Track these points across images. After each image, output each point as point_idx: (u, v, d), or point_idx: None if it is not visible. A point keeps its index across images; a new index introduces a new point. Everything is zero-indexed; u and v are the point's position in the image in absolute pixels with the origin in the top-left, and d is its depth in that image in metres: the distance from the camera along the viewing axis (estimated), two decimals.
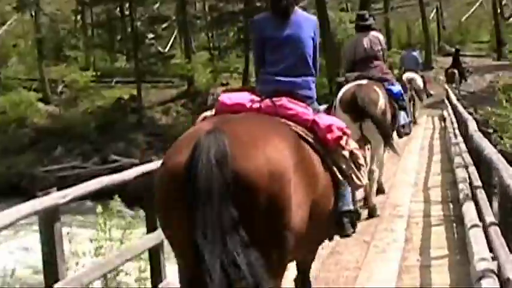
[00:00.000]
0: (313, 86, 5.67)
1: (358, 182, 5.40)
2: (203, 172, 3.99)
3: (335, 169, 5.19)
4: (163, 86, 42.11)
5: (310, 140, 5.01)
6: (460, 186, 10.66)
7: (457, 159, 13.60)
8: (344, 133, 5.38)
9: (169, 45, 51.75)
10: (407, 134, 13.03)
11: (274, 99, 5.23)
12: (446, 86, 31.20)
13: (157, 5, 53.58)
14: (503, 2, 57.46)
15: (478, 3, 66.73)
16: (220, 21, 38.73)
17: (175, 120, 37.85)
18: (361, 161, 5.49)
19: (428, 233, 9.97)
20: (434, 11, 58.06)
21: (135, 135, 36.14)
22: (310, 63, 5.64)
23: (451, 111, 24.00)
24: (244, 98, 5.30)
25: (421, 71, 26.41)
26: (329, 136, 5.19)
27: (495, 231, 6.82)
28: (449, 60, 45.50)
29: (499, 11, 53.16)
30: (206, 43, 44.46)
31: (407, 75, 23.97)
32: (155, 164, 8.03)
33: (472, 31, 58.20)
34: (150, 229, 8.16)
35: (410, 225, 10.50)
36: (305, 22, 5.65)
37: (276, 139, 4.42)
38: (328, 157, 5.14)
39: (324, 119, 5.30)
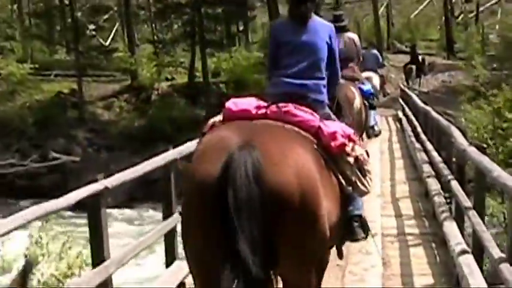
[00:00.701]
0: (324, 90, 5.74)
1: (364, 189, 5.42)
2: (243, 188, 4.19)
3: (340, 176, 5.25)
4: (105, 80, 40.58)
5: (316, 147, 5.10)
6: (436, 200, 10.11)
7: (426, 168, 12.76)
8: (350, 139, 5.39)
9: (111, 37, 50.49)
10: (376, 135, 13.14)
11: (280, 104, 5.30)
12: (402, 86, 30.33)
13: None
14: (453, 0, 57.07)
15: (427, 1, 66.69)
16: (165, 13, 37.26)
17: (117, 116, 36.49)
18: (368, 167, 5.52)
19: (407, 256, 9.33)
20: (383, 8, 57.41)
21: (75, 132, 34.73)
22: (323, 68, 5.74)
23: (409, 112, 23.01)
24: (250, 104, 5.36)
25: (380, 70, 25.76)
26: (333, 143, 5.24)
27: (508, 269, 5.76)
28: (400, 57, 45.15)
29: (449, 8, 52.65)
30: (150, 36, 42.92)
31: (364, 75, 22.94)
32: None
33: (421, 29, 57.79)
34: (166, 216, 8.85)
35: (385, 245, 9.81)
36: (321, 28, 5.79)
37: (301, 152, 4.69)
38: (333, 164, 5.21)
39: (329, 126, 5.32)
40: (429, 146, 13.74)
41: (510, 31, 38.45)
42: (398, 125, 25.76)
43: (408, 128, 21.55)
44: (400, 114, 28.16)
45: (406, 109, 25.25)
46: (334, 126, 5.36)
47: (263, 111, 5.26)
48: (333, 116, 5.79)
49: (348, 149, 5.31)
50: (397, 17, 61.00)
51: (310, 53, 5.65)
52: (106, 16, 46.59)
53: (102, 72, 41.32)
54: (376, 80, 23.99)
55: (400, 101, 29.89)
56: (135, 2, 48.23)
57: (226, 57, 36.97)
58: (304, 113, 5.28)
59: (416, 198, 12.74)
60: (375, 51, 25.51)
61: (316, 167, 4.72)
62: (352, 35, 11.58)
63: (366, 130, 11.68)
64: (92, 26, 41.40)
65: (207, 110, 35.23)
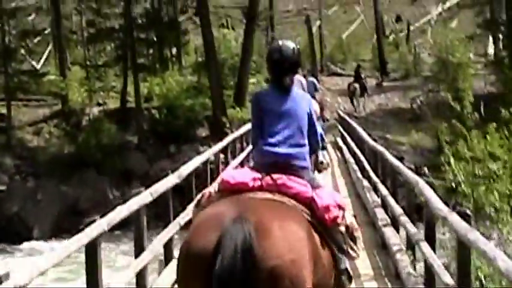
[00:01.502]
0: (307, 156, 5.95)
1: (354, 254, 5.68)
2: (230, 261, 4.52)
3: (333, 245, 5.51)
4: (35, 105, 38.61)
5: (311, 219, 5.39)
6: (398, 258, 8.74)
7: (380, 214, 11.42)
8: (340, 208, 5.63)
9: (42, 60, 48.44)
10: (325, 168, 12.49)
11: (274, 176, 5.58)
12: (340, 111, 29.08)
13: (31, 17, 50.10)
14: (383, 19, 56.42)
15: (358, 21, 66.05)
16: (98, 37, 35.46)
17: (47, 142, 34.73)
18: (357, 233, 5.79)
19: None
20: (315, 28, 56.33)
21: (2, 159, 32.91)
22: (305, 135, 5.95)
23: (352, 143, 21.67)
24: (246, 176, 5.62)
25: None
26: (327, 216, 5.49)
27: None
28: (335, 80, 44.21)
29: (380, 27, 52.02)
30: (82, 60, 40.97)
31: None
32: None
33: (353, 49, 56.91)
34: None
35: None
36: (301, 98, 6.06)
37: (294, 227, 4.98)
38: (326, 234, 5.46)
39: (322, 198, 5.55)
40: (383, 190, 12.35)
41: (445, 52, 37.68)
42: (339, 154, 24.45)
43: (351, 160, 20.26)
44: (340, 141, 26.93)
45: (348, 139, 23.96)
46: (326, 197, 5.58)
47: (259, 183, 5.54)
48: (317, 181, 5.89)
49: (340, 219, 5.58)
50: (328, 38, 59.99)
51: (292, 121, 5.87)
52: (38, 39, 44.72)
53: (32, 96, 39.31)
54: (316, 107, 22.99)
55: (339, 127, 28.64)
56: (69, 25, 46.39)
57: (159, 82, 35.33)
58: (298, 185, 5.56)
59: (373, 250, 11.33)
60: (312, 78, 25.01)
61: (309, 242, 4.99)
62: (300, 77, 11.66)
63: (316, 166, 10.82)
64: (22, 50, 39.41)
65: (139, 136, 33.58)
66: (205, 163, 14.95)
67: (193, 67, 40.50)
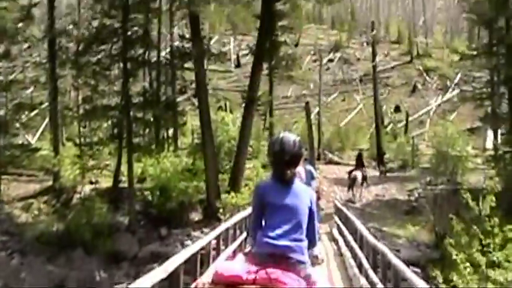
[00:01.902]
0: (305, 251, 5.96)
1: None
2: None
3: None
4: (26, 180, 37.69)
5: None
6: None
7: None
8: None
9: (38, 134, 47.68)
10: (319, 264, 11.34)
11: (269, 270, 5.58)
12: (337, 202, 28.08)
13: (29, 90, 49.60)
14: (383, 109, 56.04)
15: (356, 110, 65.70)
16: (93, 114, 34.58)
17: (35, 219, 33.58)
18: None
19: None
20: (313, 115, 55.79)
21: None
22: (304, 230, 5.95)
23: (350, 237, 20.62)
24: (240, 269, 5.65)
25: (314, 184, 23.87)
26: None
27: None
28: (331, 168, 43.40)
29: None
30: (77, 136, 40.10)
31: None
32: None
33: (351, 138, 56.35)
34: None
35: None
36: (303, 192, 6.04)
37: None
38: None
39: None
40: None
41: (444, 144, 36.98)
42: (335, 246, 23.38)
43: (348, 254, 19.20)
44: (336, 233, 25.90)
45: (345, 231, 22.90)
46: None
47: (253, 276, 5.55)
48: (313, 277, 5.85)
49: None
50: (326, 125, 59.54)
51: (293, 215, 5.86)
52: (35, 112, 44.01)
53: (24, 171, 38.45)
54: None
55: (336, 218, 27.61)
56: (66, 100, 45.79)
57: (153, 163, 34.42)
58: (291, 280, 5.55)
59: None
60: (309, 166, 24.39)
61: None
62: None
63: (312, 260, 10.13)
64: (17, 123, 38.65)
65: (130, 217, 32.52)
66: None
67: (189, 149, 39.73)
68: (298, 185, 6.03)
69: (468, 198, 21.29)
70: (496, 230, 20.35)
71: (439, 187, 37.15)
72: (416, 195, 37.02)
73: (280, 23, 35.68)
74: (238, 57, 74.07)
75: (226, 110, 49.47)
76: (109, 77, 34.64)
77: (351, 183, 36.54)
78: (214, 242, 16.59)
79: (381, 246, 12.60)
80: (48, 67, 38.17)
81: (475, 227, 18.91)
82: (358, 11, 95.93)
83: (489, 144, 47.29)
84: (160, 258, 31.07)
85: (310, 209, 6.01)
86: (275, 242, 5.75)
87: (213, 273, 5.69)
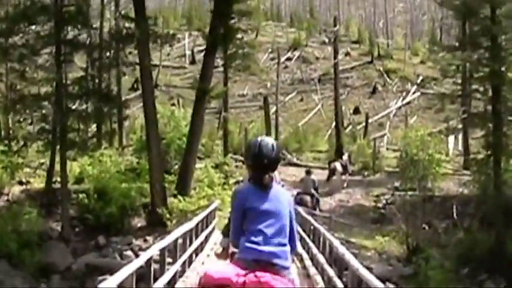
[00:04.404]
0: (289, 256, 5.84)
1: None
2: None
3: None
4: None
5: None
6: None
7: None
8: None
9: None
10: None
11: (258, 274, 5.50)
12: (303, 213, 23.62)
13: None
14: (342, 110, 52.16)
15: (314, 111, 62.07)
16: (21, 104, 29.08)
17: None
18: None
19: None
20: (270, 115, 51.71)
21: None
22: (287, 235, 5.83)
23: (320, 256, 16.25)
24: (229, 272, 5.57)
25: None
26: None
27: None
28: (290, 170, 39.13)
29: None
30: (4, 129, 34.39)
31: None
32: None
33: (309, 139, 52.31)
34: None
35: None
36: (282, 196, 5.94)
37: None
38: None
39: None
40: None
41: (415, 147, 33.06)
42: (298, 264, 18.89)
43: (318, 278, 14.90)
44: (299, 248, 21.57)
45: (310, 243, 18.61)
46: None
47: (242, 279, 5.47)
48: (295, 282, 5.89)
49: None
50: (283, 125, 55.83)
51: (275, 220, 5.74)
52: None
53: None
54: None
55: (298, 228, 23.17)
56: None
57: (92, 162, 29.66)
58: (281, 284, 5.51)
59: None
60: (312, 176, 25.32)
61: None
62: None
63: None
64: None
65: (63, 224, 27.69)
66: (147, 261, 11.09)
67: (136, 145, 34.91)
68: (277, 188, 5.95)
69: None
70: None
71: (409, 193, 33.46)
72: (384, 201, 33.00)
73: (235, 7, 31.13)
74: (193, 53, 70.19)
75: (179, 106, 45.32)
76: (38, 62, 29.27)
77: (330, 174, 35.18)
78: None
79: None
80: None
81: None
82: (317, 9, 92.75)
83: (450, 150, 44.22)
84: (97, 271, 26.81)
85: (290, 213, 5.92)
86: (259, 247, 5.65)
87: (202, 275, 5.68)
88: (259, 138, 5.92)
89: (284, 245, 5.72)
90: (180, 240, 15.34)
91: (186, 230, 15.59)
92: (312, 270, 16.55)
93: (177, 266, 14.12)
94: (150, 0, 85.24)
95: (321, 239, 16.85)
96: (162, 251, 12.97)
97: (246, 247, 5.68)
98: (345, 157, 38.32)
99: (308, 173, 29.47)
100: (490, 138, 30.13)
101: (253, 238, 5.66)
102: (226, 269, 5.62)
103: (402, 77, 67.78)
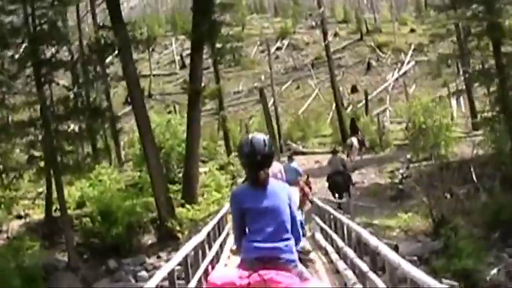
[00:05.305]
0: (294, 249, 5.76)
1: None
2: None
3: None
4: None
5: None
6: None
7: None
8: None
9: None
10: (310, 260, 12.00)
11: (261, 272, 5.41)
12: (316, 200, 21.86)
13: None
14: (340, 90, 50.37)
15: (312, 96, 60.25)
16: (5, 134, 26.84)
17: None
18: None
19: None
20: (269, 106, 49.81)
21: None
22: (289, 229, 5.73)
23: (342, 243, 14.36)
24: (232, 276, 5.50)
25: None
26: None
27: None
28: (298, 160, 37.26)
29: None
30: None
31: None
32: None
33: (312, 125, 50.55)
34: None
35: None
36: (280, 191, 5.80)
37: None
38: None
39: None
40: None
41: (422, 116, 31.34)
42: (324, 259, 17.03)
43: (349, 273, 12.97)
44: (320, 238, 19.78)
45: (334, 235, 16.73)
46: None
47: (246, 281, 5.39)
48: (305, 273, 5.76)
49: None
50: (283, 115, 54.09)
51: (275, 217, 5.65)
52: None
53: None
54: (296, 198, 17.23)
55: (317, 219, 21.37)
56: None
57: (92, 183, 27.75)
58: (286, 279, 5.40)
59: None
60: (293, 164, 22.03)
61: None
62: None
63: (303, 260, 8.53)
64: None
65: (69, 253, 25.71)
66: None
67: (135, 159, 33.02)
68: (273, 184, 5.79)
69: None
70: None
71: (423, 163, 31.64)
72: (400, 176, 31.08)
73: (217, 0, 29.29)
74: (182, 57, 68.28)
75: (175, 112, 43.44)
76: (19, 86, 27.06)
77: (348, 150, 34.36)
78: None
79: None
80: None
81: None
82: None
83: (454, 113, 42.60)
84: None
85: (290, 206, 5.78)
86: (263, 245, 5.57)
87: (206, 283, 5.86)
88: (250, 136, 5.86)
89: (288, 239, 5.66)
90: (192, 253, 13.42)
91: (195, 244, 13.61)
92: (340, 265, 14.62)
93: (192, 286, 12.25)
94: (133, 10, 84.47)
95: (345, 230, 14.97)
96: (170, 273, 11.02)
97: (247, 246, 5.65)
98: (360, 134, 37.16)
99: (334, 152, 28.52)
100: (497, 94, 28.52)
101: (254, 237, 5.62)
102: (228, 273, 5.59)
103: (394, 49, 66.20)
